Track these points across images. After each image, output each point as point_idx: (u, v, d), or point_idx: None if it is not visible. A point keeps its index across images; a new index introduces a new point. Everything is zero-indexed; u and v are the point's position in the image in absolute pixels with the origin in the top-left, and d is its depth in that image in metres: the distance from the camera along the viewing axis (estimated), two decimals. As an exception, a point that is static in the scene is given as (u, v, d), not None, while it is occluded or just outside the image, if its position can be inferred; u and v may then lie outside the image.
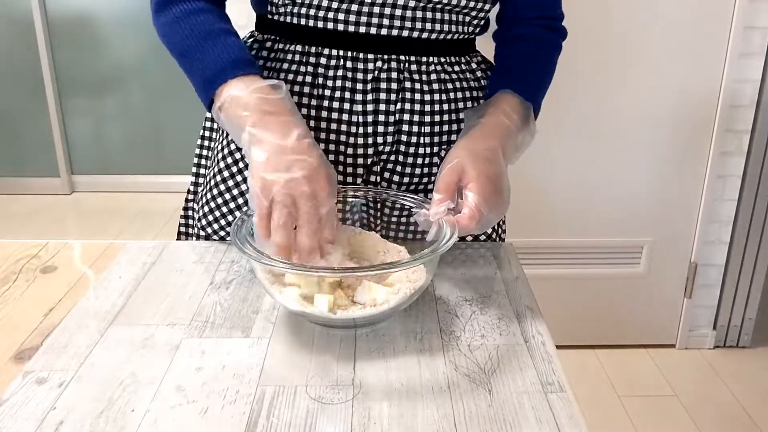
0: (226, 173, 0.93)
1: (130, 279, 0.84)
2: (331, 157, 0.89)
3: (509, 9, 0.94)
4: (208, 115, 0.99)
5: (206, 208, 0.96)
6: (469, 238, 0.96)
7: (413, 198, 0.85)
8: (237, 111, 0.76)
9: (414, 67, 0.88)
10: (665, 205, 2.12)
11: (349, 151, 0.88)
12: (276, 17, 0.89)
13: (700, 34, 1.94)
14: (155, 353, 0.70)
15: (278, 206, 0.71)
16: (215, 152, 0.96)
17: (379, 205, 0.90)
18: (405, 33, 0.85)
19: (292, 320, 0.76)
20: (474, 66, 0.94)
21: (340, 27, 0.85)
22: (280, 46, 0.89)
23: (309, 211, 0.71)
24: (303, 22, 0.86)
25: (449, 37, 0.89)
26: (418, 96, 0.88)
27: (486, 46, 0.98)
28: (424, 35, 0.86)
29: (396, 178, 0.92)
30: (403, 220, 0.90)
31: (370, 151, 0.89)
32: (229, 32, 0.83)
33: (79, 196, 3.59)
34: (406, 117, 0.88)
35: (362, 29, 0.84)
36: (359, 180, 0.90)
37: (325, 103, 0.87)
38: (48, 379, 0.65)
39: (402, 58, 0.87)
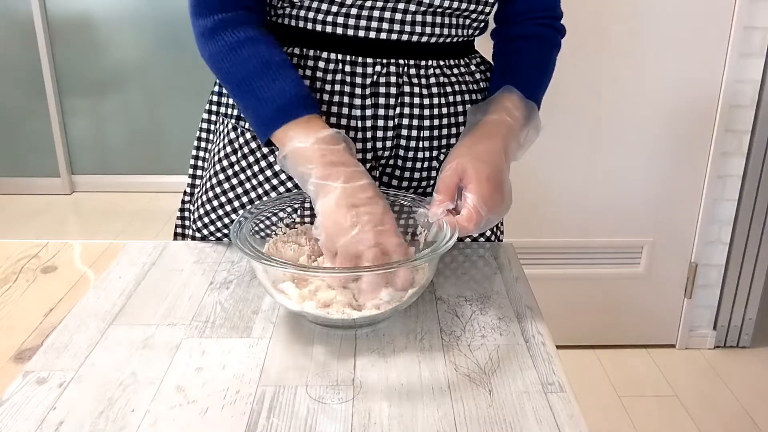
0: (222, 175, 0.93)
1: (130, 279, 0.84)
2: None
3: (508, 8, 0.94)
4: (205, 116, 0.99)
5: (202, 210, 0.96)
6: (468, 239, 0.96)
7: (413, 198, 0.85)
8: (302, 162, 0.76)
9: (413, 71, 0.87)
10: (665, 205, 2.12)
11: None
12: (274, 19, 0.89)
13: (700, 34, 1.94)
14: (155, 353, 0.70)
15: (340, 259, 0.72)
16: (212, 154, 0.96)
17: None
18: (404, 37, 0.85)
19: (292, 320, 0.76)
20: (473, 68, 0.94)
21: (339, 31, 0.84)
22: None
23: (374, 261, 0.70)
24: (301, 24, 0.86)
25: (448, 40, 0.88)
26: (417, 100, 0.88)
27: (484, 44, 0.98)
28: (424, 39, 0.86)
29: (395, 182, 0.92)
30: (403, 220, 0.90)
31: (369, 155, 0.89)
32: (285, 65, 0.81)
33: (79, 196, 3.59)
34: (405, 121, 0.88)
35: (361, 33, 0.84)
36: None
37: (324, 107, 0.87)
38: (48, 379, 0.65)
39: (401, 62, 0.87)
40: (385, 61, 0.86)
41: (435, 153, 0.91)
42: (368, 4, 0.82)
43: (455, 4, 0.84)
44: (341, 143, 0.77)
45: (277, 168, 0.89)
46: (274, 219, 0.84)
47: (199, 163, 1.01)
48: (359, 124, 0.87)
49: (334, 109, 0.87)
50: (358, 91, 0.86)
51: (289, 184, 0.89)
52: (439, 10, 0.84)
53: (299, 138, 0.76)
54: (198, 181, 1.00)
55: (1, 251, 0.93)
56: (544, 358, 0.69)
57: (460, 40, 0.91)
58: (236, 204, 0.92)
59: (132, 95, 3.50)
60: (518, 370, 0.68)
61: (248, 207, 0.91)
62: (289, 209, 0.85)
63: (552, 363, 0.69)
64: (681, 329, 2.27)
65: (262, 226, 0.84)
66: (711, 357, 2.25)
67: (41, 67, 3.39)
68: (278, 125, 0.78)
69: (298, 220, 0.86)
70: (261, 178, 0.90)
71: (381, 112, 0.87)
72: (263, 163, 0.90)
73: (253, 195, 0.91)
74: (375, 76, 0.86)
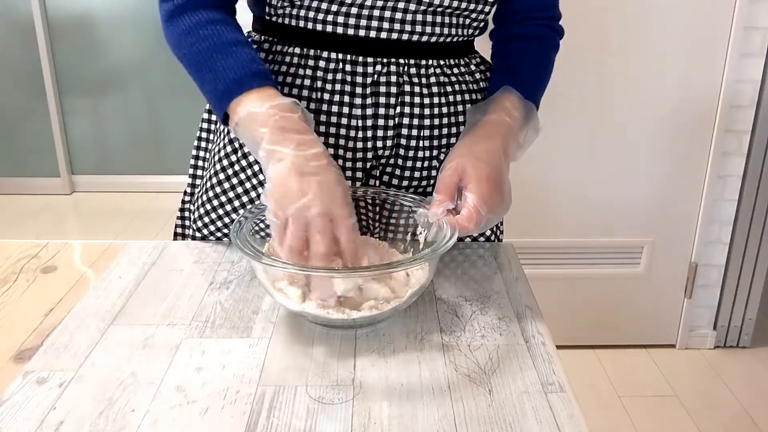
0: (222, 175, 0.93)
1: (130, 279, 0.84)
2: None
3: (507, 8, 0.94)
4: (205, 116, 0.99)
5: (202, 210, 0.96)
6: (468, 239, 0.96)
7: (413, 198, 0.85)
8: (254, 127, 0.75)
9: (413, 70, 0.87)
10: (665, 205, 2.12)
11: (348, 154, 0.88)
12: (274, 19, 0.89)
13: (700, 34, 1.94)
14: (155, 353, 0.70)
15: (291, 228, 0.70)
16: (212, 153, 0.96)
17: (378, 206, 0.90)
18: (405, 36, 0.85)
19: (292, 320, 0.76)
20: (473, 68, 0.94)
21: (339, 30, 0.84)
22: (279, 48, 0.89)
23: (322, 235, 0.69)
24: (302, 24, 0.86)
25: (449, 39, 0.89)
26: (417, 99, 0.88)
27: (484, 45, 0.98)
28: (424, 38, 0.86)
29: (395, 181, 0.92)
30: (403, 220, 0.90)
31: (370, 155, 0.89)
32: (242, 43, 0.81)
33: (79, 196, 3.59)
34: (405, 120, 0.88)
35: (362, 32, 0.84)
36: (358, 183, 0.90)
37: (324, 106, 0.87)
38: (48, 379, 0.65)
39: (401, 61, 0.87)
40: (385, 60, 0.86)
41: (435, 152, 0.91)
42: (368, 3, 0.82)
43: (455, 3, 0.84)
44: (297, 112, 0.75)
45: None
46: (274, 219, 0.84)
47: (199, 162, 1.01)
48: (359, 123, 0.87)
49: (335, 108, 0.87)
50: (358, 90, 0.86)
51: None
52: (440, 9, 0.84)
53: (253, 104, 0.76)
54: (198, 181, 1.00)
55: (1, 251, 0.93)
56: (544, 358, 0.69)
57: (460, 39, 0.91)
58: (236, 204, 0.92)
59: (132, 95, 3.50)
60: (518, 370, 0.68)
61: (248, 207, 0.91)
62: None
63: (552, 363, 0.69)
64: (681, 329, 2.27)
65: (262, 225, 0.84)
66: (711, 357, 2.25)
67: (41, 67, 3.39)
68: (233, 97, 0.77)
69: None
70: (261, 177, 0.90)
71: (381, 111, 0.87)
72: (263, 163, 0.90)
73: (253, 195, 0.91)
74: (375, 76, 0.86)
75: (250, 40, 0.93)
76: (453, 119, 0.91)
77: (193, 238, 0.99)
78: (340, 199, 0.71)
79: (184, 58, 0.83)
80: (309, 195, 0.69)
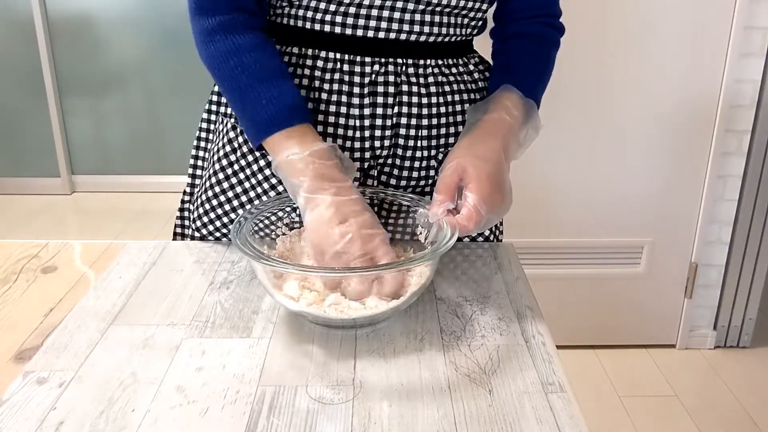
0: (221, 175, 0.93)
1: (130, 279, 0.84)
2: None
3: (507, 7, 0.94)
4: (205, 116, 0.99)
5: (201, 209, 0.96)
6: (467, 239, 0.96)
7: (412, 198, 0.85)
8: (293, 174, 0.77)
9: (411, 70, 0.87)
10: (665, 205, 2.12)
11: (346, 154, 0.88)
12: (272, 18, 0.89)
13: (700, 34, 1.94)
14: (155, 353, 0.70)
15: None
16: (212, 153, 0.96)
17: (377, 205, 0.90)
18: (402, 36, 0.85)
19: (292, 320, 0.76)
20: (471, 67, 0.94)
21: (337, 30, 0.84)
22: (277, 47, 0.89)
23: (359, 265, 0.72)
24: (300, 24, 0.86)
25: (447, 39, 0.89)
26: (415, 99, 0.88)
27: (483, 44, 0.98)
28: (422, 38, 0.86)
29: (393, 181, 0.92)
30: (402, 220, 0.90)
31: (367, 154, 0.89)
32: (283, 74, 0.82)
33: (79, 196, 3.59)
34: (404, 120, 0.88)
35: (359, 32, 0.84)
36: (356, 184, 0.90)
37: (322, 106, 0.87)
38: (48, 379, 0.65)
39: (399, 61, 0.87)
40: (383, 60, 0.86)
41: (433, 152, 0.91)
42: (366, 2, 0.82)
43: (453, 2, 0.84)
44: (334, 159, 0.78)
45: (276, 168, 0.89)
46: (273, 219, 0.84)
47: (199, 162, 1.01)
48: (357, 123, 0.87)
49: (333, 108, 0.87)
50: (356, 90, 0.86)
51: (289, 184, 0.89)
52: (438, 8, 0.84)
53: (293, 149, 0.77)
54: (198, 181, 1.00)
55: (1, 251, 0.93)
56: (544, 358, 0.69)
57: (459, 39, 0.91)
58: (235, 203, 0.92)
59: (132, 95, 3.50)
60: (518, 370, 0.68)
61: (248, 207, 0.91)
62: (288, 209, 0.85)
63: (552, 363, 0.69)
64: (681, 329, 2.27)
65: (261, 225, 0.84)
66: (711, 357, 2.25)
67: (41, 67, 3.39)
68: (271, 132, 0.79)
69: (298, 219, 0.86)
70: (260, 177, 0.90)
71: (379, 111, 0.87)
72: (262, 163, 0.90)
73: (252, 194, 0.91)
74: (373, 76, 0.86)
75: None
76: (451, 119, 0.91)
77: (193, 238, 0.99)
78: (378, 241, 0.73)
79: (221, 82, 0.84)
80: (347, 238, 0.72)
